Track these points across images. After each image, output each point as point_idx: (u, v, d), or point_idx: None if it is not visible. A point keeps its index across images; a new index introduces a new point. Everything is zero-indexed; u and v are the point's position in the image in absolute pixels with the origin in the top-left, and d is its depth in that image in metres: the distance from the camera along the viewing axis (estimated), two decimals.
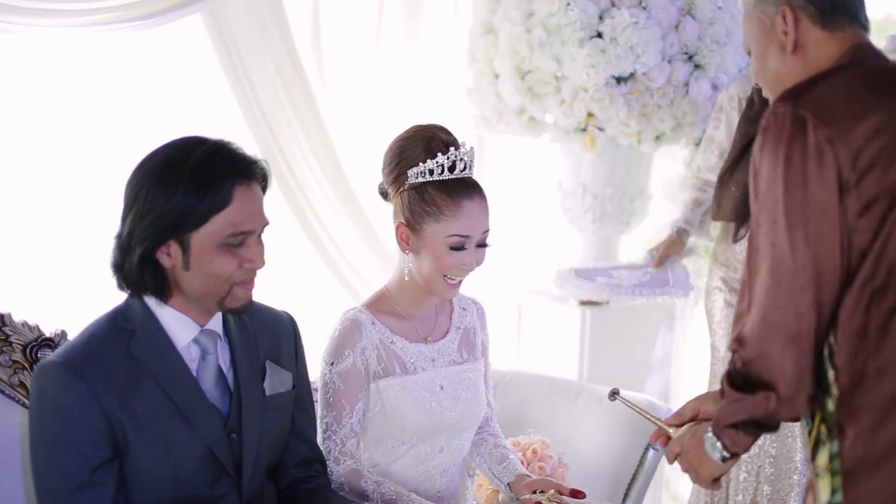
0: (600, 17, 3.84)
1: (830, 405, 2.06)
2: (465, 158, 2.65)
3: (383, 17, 4.37)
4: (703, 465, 2.23)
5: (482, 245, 2.70)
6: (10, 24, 3.19)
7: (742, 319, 2.07)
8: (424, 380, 2.74)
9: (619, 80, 3.86)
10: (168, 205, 2.25)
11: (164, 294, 2.35)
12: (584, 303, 4.21)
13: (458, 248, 2.65)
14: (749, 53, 2.30)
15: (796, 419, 2.11)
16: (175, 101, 3.91)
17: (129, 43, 3.83)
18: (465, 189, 2.64)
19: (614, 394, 2.58)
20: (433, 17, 4.48)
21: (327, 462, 2.69)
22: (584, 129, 3.96)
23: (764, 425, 2.11)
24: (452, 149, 2.64)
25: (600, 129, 3.94)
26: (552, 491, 2.66)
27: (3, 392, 2.82)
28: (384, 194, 2.76)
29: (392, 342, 2.73)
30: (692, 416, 2.36)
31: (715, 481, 2.26)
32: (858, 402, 2.01)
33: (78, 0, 3.32)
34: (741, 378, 2.08)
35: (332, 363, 2.70)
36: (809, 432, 2.12)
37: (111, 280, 2.38)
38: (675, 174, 4.53)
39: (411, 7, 4.39)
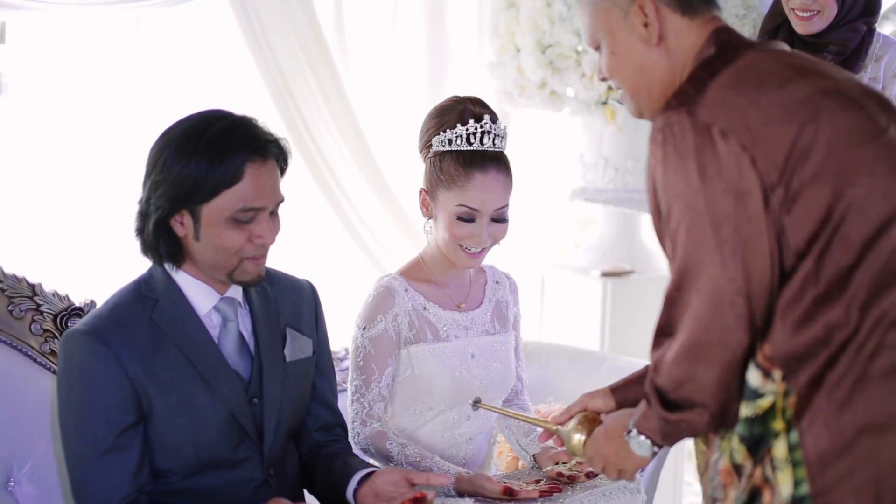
0: None
1: (766, 402, 1.92)
2: (490, 132, 2.66)
3: None
4: (630, 462, 2.17)
5: (498, 220, 2.71)
6: (35, 3, 3.26)
7: (660, 346, 1.98)
8: (456, 347, 2.78)
9: None
10: (181, 175, 2.30)
11: (177, 262, 2.40)
12: (605, 274, 4.25)
13: (467, 219, 2.68)
14: (597, 49, 2.11)
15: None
16: (201, 77, 3.98)
17: (156, 19, 3.90)
18: (480, 161, 2.67)
19: (476, 403, 2.61)
20: None
21: (354, 424, 2.74)
22: (605, 103, 4.01)
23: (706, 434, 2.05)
24: (472, 121, 2.66)
25: (620, 103, 3.98)
26: (574, 461, 2.71)
27: (34, 360, 2.91)
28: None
29: (425, 308, 2.78)
30: (579, 412, 2.34)
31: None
32: (816, 392, 1.87)
33: None
34: (669, 400, 1.98)
35: (364, 328, 2.75)
36: (724, 439, 2.00)
37: (139, 251, 2.45)
38: None
39: None
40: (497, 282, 2.93)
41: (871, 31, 3.40)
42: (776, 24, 3.46)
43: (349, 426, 2.76)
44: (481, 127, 2.66)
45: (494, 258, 3.06)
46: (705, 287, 1.88)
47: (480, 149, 2.67)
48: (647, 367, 2.25)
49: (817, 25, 3.35)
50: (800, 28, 3.36)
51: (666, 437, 2.06)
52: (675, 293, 1.94)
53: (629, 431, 2.10)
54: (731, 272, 1.86)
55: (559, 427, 2.38)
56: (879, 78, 3.39)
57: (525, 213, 4.62)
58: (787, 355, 1.89)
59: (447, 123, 2.68)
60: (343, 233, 4.23)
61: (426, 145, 2.74)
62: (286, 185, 2.56)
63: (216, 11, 3.96)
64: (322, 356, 2.66)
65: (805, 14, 3.34)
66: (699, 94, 1.89)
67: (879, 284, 1.85)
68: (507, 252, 4.30)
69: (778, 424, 1.91)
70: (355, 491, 2.48)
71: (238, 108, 2.49)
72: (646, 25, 2.02)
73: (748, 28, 3.94)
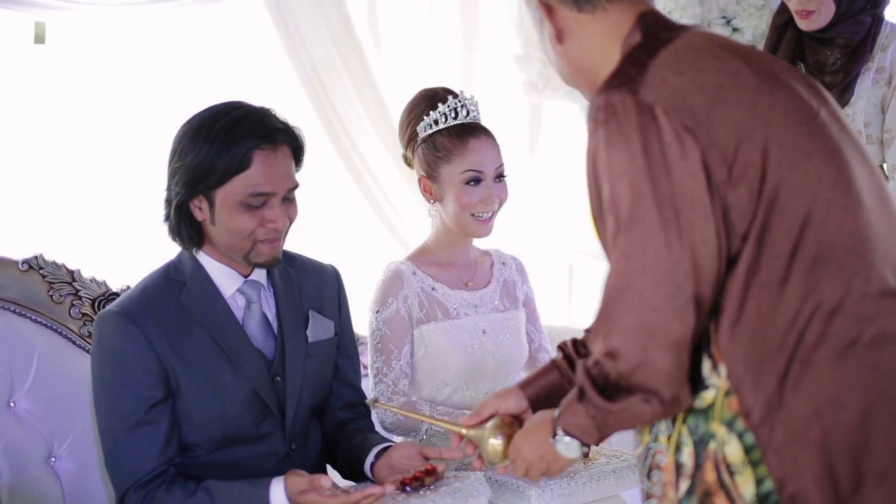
0: None
1: (711, 396, 1.90)
2: (467, 104, 2.85)
3: None
4: (556, 465, 2.09)
5: (500, 178, 2.88)
6: (73, 4, 3.37)
7: (607, 332, 1.88)
8: (467, 324, 2.90)
9: None
10: (195, 161, 2.43)
11: (198, 245, 2.53)
12: None
13: (475, 182, 2.83)
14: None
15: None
16: (234, 70, 4.08)
17: (196, 14, 3.99)
18: (470, 130, 2.85)
19: (374, 402, 2.64)
20: None
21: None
22: None
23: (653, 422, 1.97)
24: (451, 97, 2.84)
25: None
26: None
27: (74, 342, 3.01)
28: (408, 162, 2.95)
29: (434, 289, 2.90)
30: (491, 416, 2.25)
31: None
32: (762, 385, 1.85)
33: None
34: (612, 388, 1.89)
35: (377, 311, 2.88)
36: (669, 437, 1.94)
37: (170, 239, 2.57)
38: None
39: None
40: (503, 263, 3.05)
41: (879, 19, 3.43)
42: (784, 20, 3.51)
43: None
44: (458, 102, 2.85)
45: (525, 248, 3.18)
46: (647, 269, 1.83)
47: (465, 121, 2.85)
48: (556, 361, 2.26)
49: (819, 22, 3.39)
50: (803, 25, 3.41)
51: (600, 432, 1.96)
52: (617, 276, 1.87)
53: (555, 435, 2.00)
54: (676, 253, 1.82)
55: (471, 432, 2.26)
56: (886, 67, 3.40)
57: (553, 201, 4.70)
58: (730, 349, 1.86)
59: (424, 110, 2.86)
60: (374, 219, 4.33)
61: (411, 138, 2.89)
62: (318, 174, 2.67)
63: (250, 7, 4.06)
64: (344, 337, 2.77)
65: (804, 12, 3.38)
66: (640, 74, 1.87)
67: (816, 272, 1.84)
68: (536, 240, 4.40)
69: (716, 426, 1.88)
70: (372, 464, 2.58)
71: (270, 101, 2.59)
72: (542, 27, 2.05)
73: (766, 19, 3.99)
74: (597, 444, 2.03)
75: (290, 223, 2.54)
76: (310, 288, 2.69)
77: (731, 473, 1.87)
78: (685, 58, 1.90)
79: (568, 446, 2.00)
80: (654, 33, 1.96)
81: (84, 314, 3.04)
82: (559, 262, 4.54)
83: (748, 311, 1.85)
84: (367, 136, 4.29)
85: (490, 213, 2.88)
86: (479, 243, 3.01)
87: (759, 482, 1.86)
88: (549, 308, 4.48)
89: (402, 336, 2.86)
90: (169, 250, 2.61)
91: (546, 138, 4.70)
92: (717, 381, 1.89)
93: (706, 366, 1.90)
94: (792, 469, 1.84)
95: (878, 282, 1.88)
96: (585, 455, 2.03)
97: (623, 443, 3.10)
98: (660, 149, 1.82)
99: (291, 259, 2.69)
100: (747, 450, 1.86)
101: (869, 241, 1.90)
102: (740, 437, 1.86)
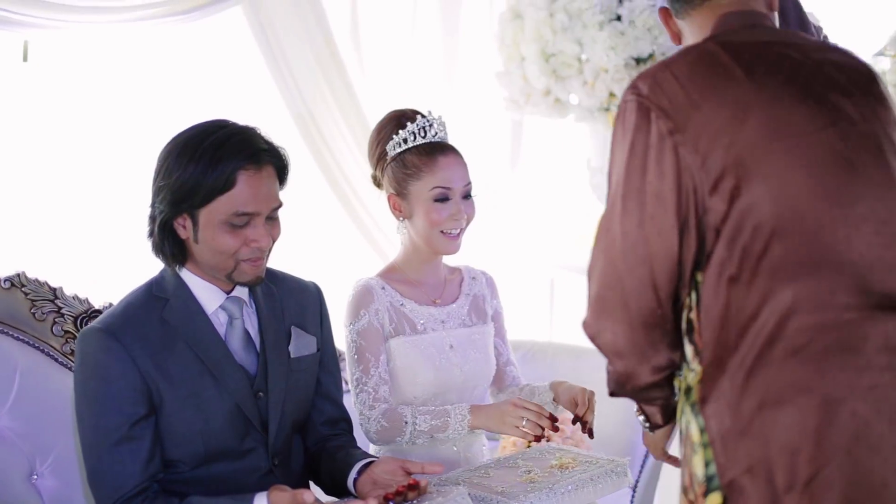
0: (619, 1, 4.00)
1: (691, 379, 2.10)
2: (434, 123, 2.89)
3: (419, 4, 4.53)
4: (646, 438, 2.41)
5: (467, 197, 2.91)
6: (59, 22, 3.38)
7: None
8: (434, 339, 2.93)
9: (638, 60, 4.01)
10: (179, 180, 2.44)
11: (181, 262, 2.54)
12: None
13: (443, 199, 2.86)
14: None
15: (653, 387, 2.18)
16: (218, 87, 4.09)
17: (179, 32, 4.00)
18: (438, 147, 2.89)
19: None
20: (469, 4, 4.63)
21: (363, 412, 2.86)
22: (607, 109, 4.11)
23: (630, 394, 2.22)
24: (419, 116, 2.88)
25: None
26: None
27: (56, 360, 3.03)
28: (377, 182, 2.98)
29: (402, 304, 2.93)
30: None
31: (667, 456, 2.41)
32: (720, 375, 2.02)
33: None
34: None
35: (350, 324, 2.90)
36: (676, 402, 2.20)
37: (153, 256, 2.57)
38: None
39: None
40: (473, 278, 3.09)
41: None
42: None
43: (358, 418, 2.87)
44: (427, 121, 2.89)
45: (506, 263, 3.20)
46: (609, 249, 2.08)
47: (433, 140, 2.89)
48: None
49: None
50: None
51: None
52: (593, 251, 2.14)
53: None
54: (632, 240, 2.05)
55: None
56: None
57: (535, 216, 4.73)
58: (705, 339, 2.06)
59: (393, 130, 2.89)
60: (357, 236, 4.34)
61: (381, 157, 2.92)
62: (300, 190, 2.69)
63: (232, 25, 4.07)
64: (326, 353, 2.78)
65: None
66: (653, 76, 2.09)
67: (780, 275, 1.99)
68: (517, 254, 4.42)
69: (688, 408, 2.08)
70: (355, 480, 2.58)
71: (253, 117, 2.61)
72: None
73: None
74: (642, 416, 2.32)
75: (274, 242, 2.55)
76: (292, 304, 2.71)
77: (693, 451, 2.08)
78: (693, 58, 2.11)
79: (637, 419, 2.35)
80: (714, 36, 2.17)
81: (66, 331, 3.05)
82: (540, 277, 4.56)
83: (718, 304, 2.03)
84: (349, 153, 4.31)
85: (458, 230, 2.91)
86: (450, 260, 3.04)
87: (706, 464, 2.05)
88: (531, 323, 4.51)
89: (377, 345, 2.89)
90: (151, 267, 2.62)
91: (527, 154, 4.73)
92: (697, 367, 2.09)
93: (689, 351, 2.11)
94: (732, 458, 2.01)
95: (847, 295, 1.98)
96: (652, 429, 2.34)
97: (598, 448, 3.14)
98: (643, 149, 2.05)
99: (273, 276, 2.71)
100: (701, 430, 2.05)
101: (849, 255, 1.98)
102: (696, 417, 2.07)
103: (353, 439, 2.83)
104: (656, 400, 2.23)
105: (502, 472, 2.71)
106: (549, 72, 4.10)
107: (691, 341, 2.10)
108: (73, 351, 3.01)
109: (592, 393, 2.83)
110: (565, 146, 4.83)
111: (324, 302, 2.81)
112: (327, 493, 2.72)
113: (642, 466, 3.57)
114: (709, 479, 2.04)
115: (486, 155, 4.60)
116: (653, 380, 2.15)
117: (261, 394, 2.58)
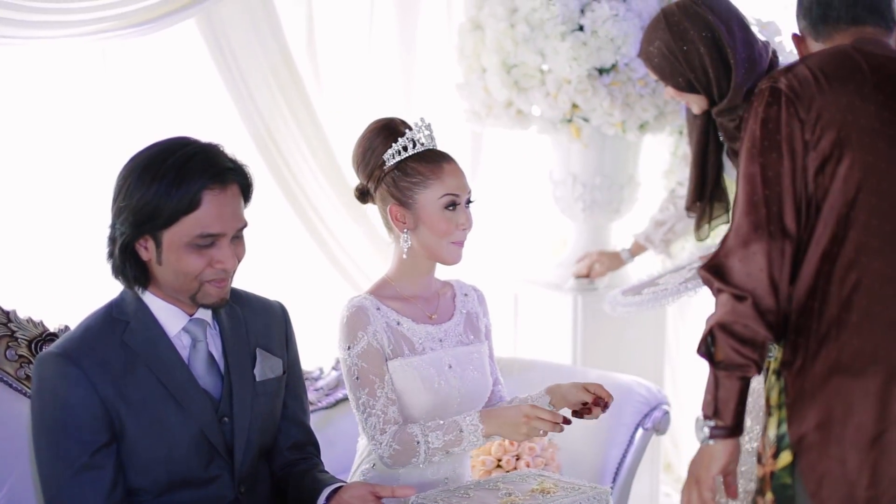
0: (581, 11, 3.95)
1: (779, 353, 2.38)
2: (428, 131, 2.82)
3: (375, 17, 4.48)
4: (698, 457, 2.40)
5: (467, 204, 2.85)
6: (9, 39, 3.29)
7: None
8: (433, 359, 2.84)
9: (601, 71, 3.97)
10: (142, 201, 2.36)
11: (143, 284, 2.46)
12: (577, 276, 4.29)
13: (452, 206, 2.79)
14: None
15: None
16: (172, 103, 4.02)
17: (126, 48, 3.93)
18: (440, 155, 2.82)
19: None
20: (426, 16, 4.58)
21: (374, 437, 2.75)
22: (570, 120, 4.06)
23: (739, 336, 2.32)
24: (414, 124, 2.81)
25: (585, 120, 4.04)
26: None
27: (10, 385, 2.96)
28: (363, 194, 2.88)
29: (399, 323, 2.83)
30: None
31: (727, 480, 2.40)
32: (801, 340, 2.33)
33: (75, 12, 3.40)
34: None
35: (348, 347, 2.77)
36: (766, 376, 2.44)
37: (112, 278, 2.50)
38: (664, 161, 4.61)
39: (404, 6, 4.49)
40: (465, 294, 3.00)
41: (772, 66, 3.45)
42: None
43: (370, 444, 2.78)
44: (423, 129, 2.81)
45: (467, 276, 3.13)
46: (744, 200, 2.38)
47: (432, 146, 2.82)
48: None
49: (698, 110, 3.50)
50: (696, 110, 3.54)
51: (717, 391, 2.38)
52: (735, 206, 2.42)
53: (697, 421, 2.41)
54: (759, 197, 2.34)
55: None
56: None
57: (498, 230, 4.69)
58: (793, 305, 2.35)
59: (389, 138, 2.80)
60: (317, 253, 4.27)
61: (376, 167, 2.81)
62: (259, 206, 2.61)
63: (185, 39, 4.00)
64: (293, 376, 2.72)
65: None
66: (793, 67, 2.41)
67: (863, 249, 2.31)
68: (480, 269, 4.37)
69: (772, 372, 2.39)
70: None
71: (209, 133, 2.54)
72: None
73: None
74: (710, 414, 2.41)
75: (239, 262, 2.49)
76: (257, 325, 2.64)
77: (769, 414, 2.39)
78: (827, 65, 2.40)
79: (701, 428, 2.42)
80: (851, 43, 2.46)
81: (21, 356, 2.99)
82: (503, 292, 4.51)
83: (808, 273, 2.34)
84: (308, 168, 4.24)
85: (464, 238, 2.85)
86: (439, 274, 2.96)
87: (779, 423, 2.36)
88: (496, 338, 4.44)
89: (380, 365, 2.78)
90: (109, 288, 2.55)
91: (488, 166, 4.68)
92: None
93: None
94: (803, 417, 2.31)
95: None
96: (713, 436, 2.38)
97: (577, 474, 3.09)
98: (776, 126, 2.36)
99: (237, 296, 2.64)
100: (780, 392, 2.37)
101: None
102: (780, 382, 2.37)
103: (321, 463, 2.77)
104: (744, 367, 2.31)
105: (482, 494, 2.67)
106: (511, 83, 4.04)
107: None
108: (27, 376, 2.94)
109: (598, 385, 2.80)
110: (527, 158, 4.79)
111: (289, 322, 2.75)
112: None
113: (613, 485, 3.52)
114: (779, 438, 2.34)
115: None
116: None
117: (226, 419, 2.52)
